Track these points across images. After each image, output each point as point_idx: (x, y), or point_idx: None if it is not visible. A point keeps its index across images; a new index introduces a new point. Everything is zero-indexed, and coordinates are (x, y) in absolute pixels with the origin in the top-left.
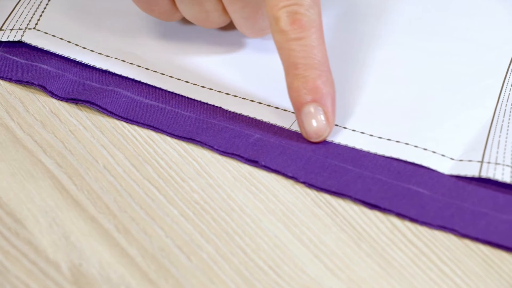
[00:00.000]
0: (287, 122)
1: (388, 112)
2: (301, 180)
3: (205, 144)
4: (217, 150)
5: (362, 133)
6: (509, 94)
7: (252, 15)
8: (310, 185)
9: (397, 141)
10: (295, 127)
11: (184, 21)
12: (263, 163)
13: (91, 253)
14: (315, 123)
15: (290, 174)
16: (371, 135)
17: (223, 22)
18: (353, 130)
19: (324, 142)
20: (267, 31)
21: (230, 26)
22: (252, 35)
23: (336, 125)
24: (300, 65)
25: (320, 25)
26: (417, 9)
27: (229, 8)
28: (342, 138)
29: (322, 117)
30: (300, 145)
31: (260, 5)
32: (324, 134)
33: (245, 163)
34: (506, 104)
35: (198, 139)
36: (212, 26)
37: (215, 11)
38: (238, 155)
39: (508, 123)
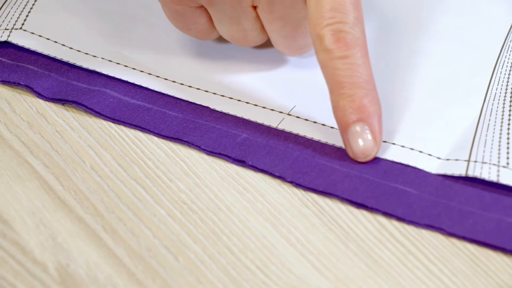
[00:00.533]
0: (274, 121)
1: None
2: (288, 180)
3: (192, 144)
4: (204, 150)
5: None
6: (495, 93)
7: (292, 33)
8: (297, 185)
9: (384, 141)
10: (282, 126)
11: (219, 39)
12: (250, 163)
13: (78, 253)
14: (362, 143)
15: (277, 174)
16: None
17: (260, 40)
18: None
19: (311, 142)
20: (306, 49)
21: (266, 44)
22: (290, 53)
23: (323, 125)
24: (345, 83)
25: (364, 43)
26: (404, 8)
27: (268, 27)
28: (329, 138)
29: (369, 136)
30: (287, 144)
31: (300, 24)
32: (371, 153)
33: (232, 163)
34: (493, 103)
35: (185, 139)
36: (249, 45)
37: (253, 30)
38: (225, 155)
39: (495, 122)
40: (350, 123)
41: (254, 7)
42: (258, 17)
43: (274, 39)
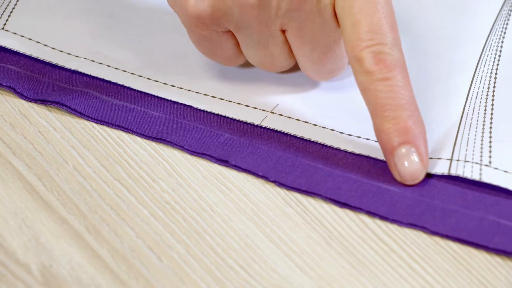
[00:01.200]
0: (257, 119)
1: (359, 110)
2: (272, 179)
3: (175, 144)
4: (187, 150)
5: (332, 130)
6: (477, 92)
7: (321, 58)
8: (281, 184)
9: (367, 139)
10: (265, 123)
11: (245, 64)
12: (233, 163)
13: (62, 254)
14: (409, 165)
15: (260, 173)
16: (341, 132)
17: (288, 65)
18: (323, 127)
19: (294, 142)
20: (335, 74)
21: (294, 68)
22: (318, 78)
23: (306, 122)
24: (388, 106)
25: (404, 64)
26: None
27: (296, 52)
28: (312, 134)
29: (416, 158)
30: (270, 144)
31: (330, 48)
32: (420, 176)
33: (215, 162)
34: (475, 102)
35: (168, 139)
36: (276, 70)
37: (281, 55)
38: (209, 155)
39: (477, 121)
40: (395, 146)
41: (283, 31)
42: (286, 41)
43: (302, 64)
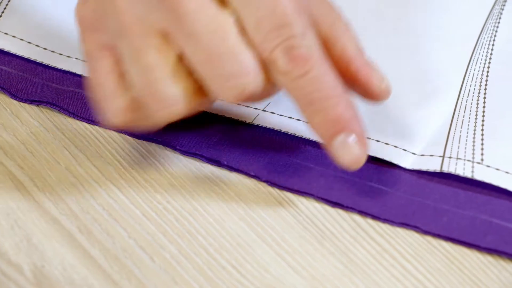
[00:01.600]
0: (249, 117)
1: None
2: (264, 179)
3: (167, 144)
4: (179, 150)
5: None
6: (469, 89)
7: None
8: (273, 184)
9: None
10: (257, 122)
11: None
12: (225, 163)
13: (54, 254)
14: (348, 154)
15: (252, 173)
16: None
17: (176, 93)
18: None
19: (286, 141)
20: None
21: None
22: (226, 96)
23: (298, 120)
24: (313, 99)
25: (319, 47)
26: (377, 5)
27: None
28: (304, 131)
29: (354, 144)
30: (262, 143)
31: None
32: (362, 160)
33: (207, 162)
34: (467, 100)
35: (160, 139)
36: (163, 105)
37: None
38: (201, 155)
39: (469, 118)
40: (330, 137)
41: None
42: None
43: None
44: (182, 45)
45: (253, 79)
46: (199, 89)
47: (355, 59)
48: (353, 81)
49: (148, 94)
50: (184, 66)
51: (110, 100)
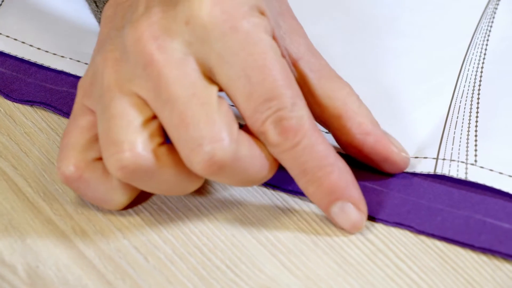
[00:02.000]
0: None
1: None
2: None
3: None
4: None
5: None
6: (463, 90)
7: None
8: (267, 185)
9: None
10: None
11: None
12: None
13: (48, 255)
14: (346, 220)
15: None
16: (326, 132)
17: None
18: None
19: None
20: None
21: None
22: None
23: None
24: (307, 170)
25: (309, 116)
26: (371, 6)
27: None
28: None
29: (351, 211)
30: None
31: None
32: (361, 224)
33: None
34: (461, 101)
35: None
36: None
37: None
38: None
39: (463, 119)
40: (327, 206)
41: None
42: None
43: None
44: (158, 111)
45: (226, 146)
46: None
47: (372, 131)
48: (373, 153)
49: (106, 136)
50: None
51: (69, 150)
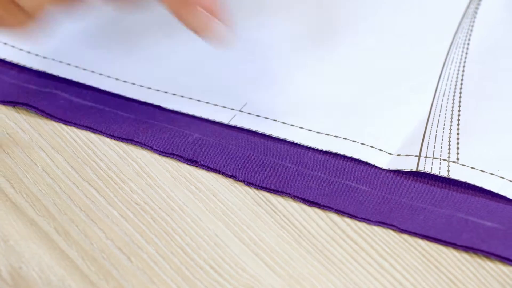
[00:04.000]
0: (226, 118)
1: (327, 107)
2: (240, 179)
3: (144, 145)
4: (156, 150)
5: (301, 127)
6: (445, 89)
7: None
8: (250, 184)
9: (336, 136)
10: (234, 122)
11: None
12: (202, 163)
13: (31, 256)
14: (197, 20)
15: (229, 173)
16: (309, 130)
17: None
18: (292, 125)
19: (263, 141)
20: None
21: None
22: None
23: (275, 120)
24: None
25: None
26: (353, 6)
27: None
28: (280, 132)
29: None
30: (239, 143)
31: None
32: (210, 26)
33: (184, 162)
34: (443, 99)
35: (137, 140)
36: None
37: None
38: (178, 155)
39: (445, 117)
40: (178, 10)
41: None
42: None
43: None
44: None
45: None
46: None
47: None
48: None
49: None
50: None
51: None
